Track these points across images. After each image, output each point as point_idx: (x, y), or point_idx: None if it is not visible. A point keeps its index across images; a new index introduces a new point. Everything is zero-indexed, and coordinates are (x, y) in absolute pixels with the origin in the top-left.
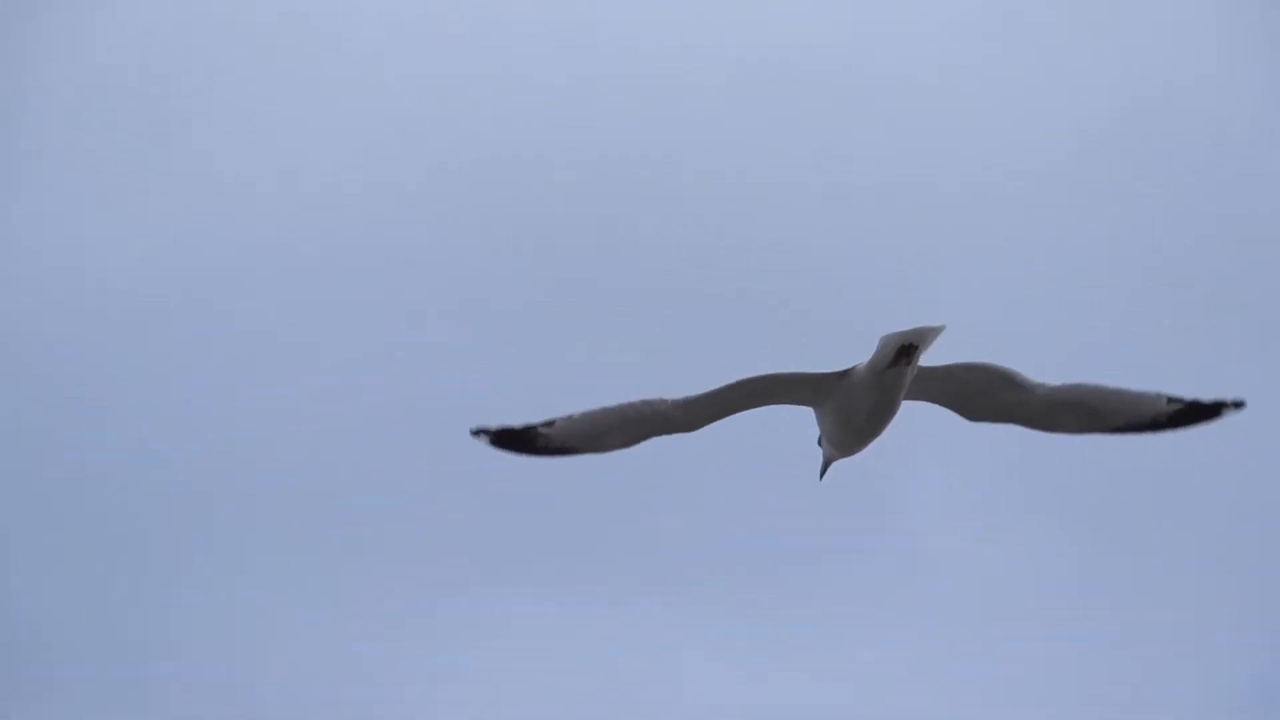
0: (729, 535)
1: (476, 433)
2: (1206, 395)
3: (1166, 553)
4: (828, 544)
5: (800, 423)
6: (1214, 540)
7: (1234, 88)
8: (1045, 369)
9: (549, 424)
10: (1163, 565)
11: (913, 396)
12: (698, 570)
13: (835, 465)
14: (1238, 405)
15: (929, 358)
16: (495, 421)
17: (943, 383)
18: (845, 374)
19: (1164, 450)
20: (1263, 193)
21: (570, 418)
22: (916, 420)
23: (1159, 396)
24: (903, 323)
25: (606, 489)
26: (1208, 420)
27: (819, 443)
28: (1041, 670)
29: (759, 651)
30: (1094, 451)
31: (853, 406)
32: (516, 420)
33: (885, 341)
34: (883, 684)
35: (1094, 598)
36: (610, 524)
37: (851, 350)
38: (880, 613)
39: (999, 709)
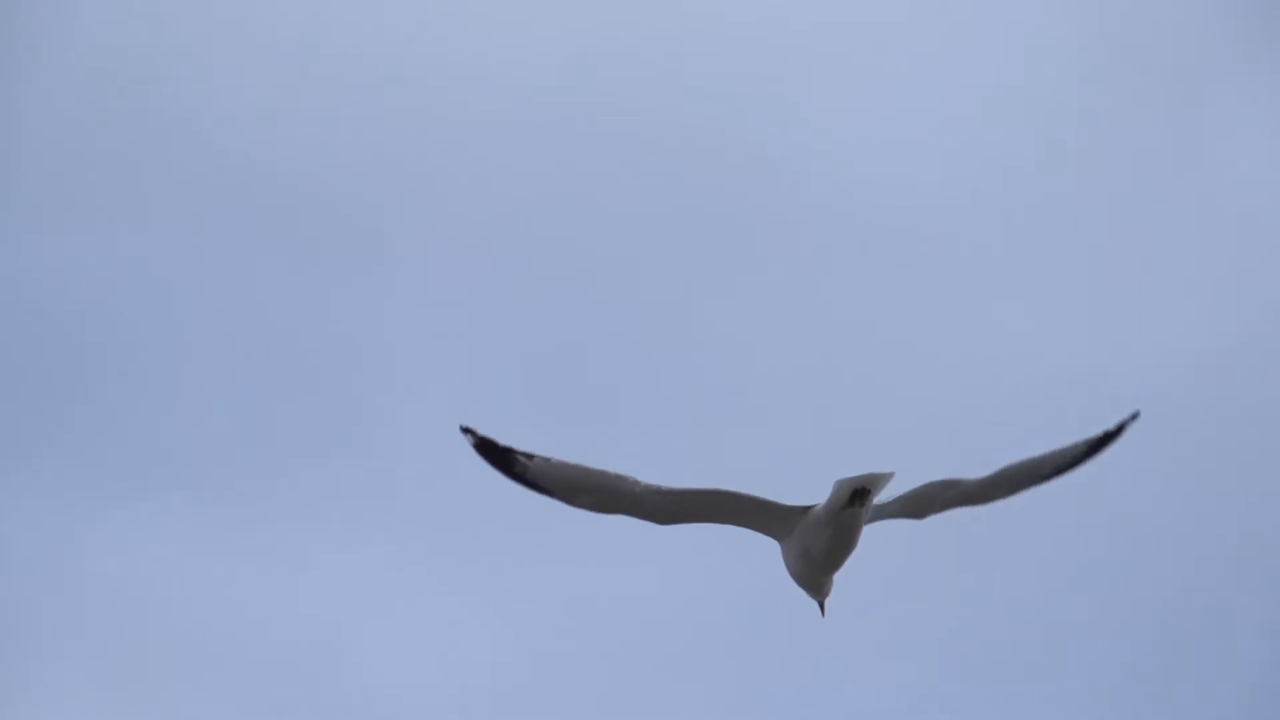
0: (207, 437)
1: (465, 430)
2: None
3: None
4: (305, 445)
5: None
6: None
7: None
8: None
9: (529, 456)
10: None
11: (873, 520)
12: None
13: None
14: (1134, 417)
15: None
16: (486, 430)
17: (898, 506)
18: (805, 510)
19: None
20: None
21: (549, 460)
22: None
23: (1077, 444)
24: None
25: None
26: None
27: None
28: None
29: (233, 555)
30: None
31: (812, 542)
32: (502, 438)
33: (839, 485)
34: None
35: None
36: (99, 425)
37: None
38: (353, 521)
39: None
